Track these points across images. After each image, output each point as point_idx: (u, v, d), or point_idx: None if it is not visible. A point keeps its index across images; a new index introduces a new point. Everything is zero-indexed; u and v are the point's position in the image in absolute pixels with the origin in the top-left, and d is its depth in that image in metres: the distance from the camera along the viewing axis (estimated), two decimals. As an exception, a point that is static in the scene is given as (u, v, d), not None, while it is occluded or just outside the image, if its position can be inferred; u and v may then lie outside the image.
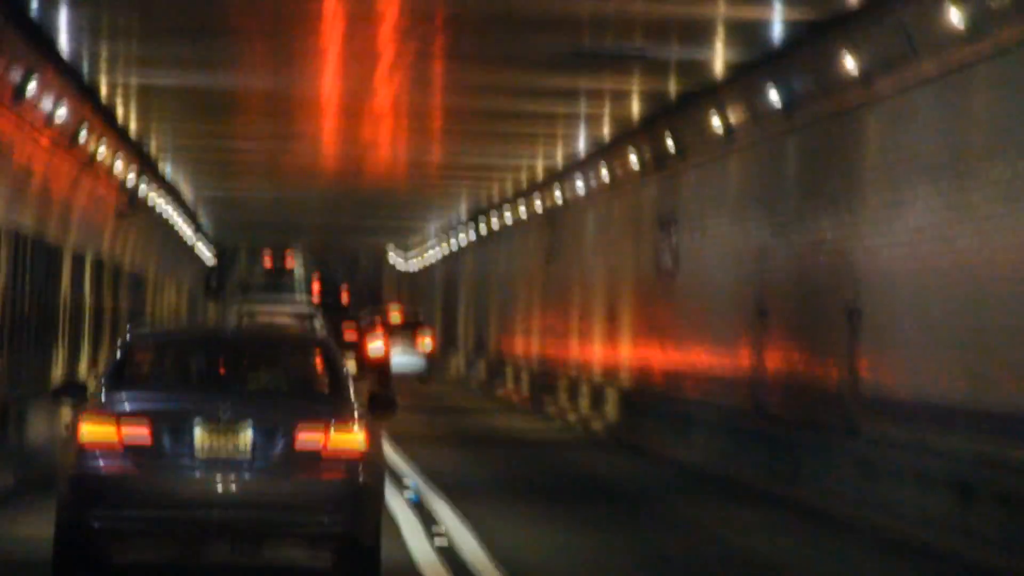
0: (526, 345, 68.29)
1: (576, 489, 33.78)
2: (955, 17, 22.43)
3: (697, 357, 39.54)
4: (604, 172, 49.97)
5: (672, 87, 37.98)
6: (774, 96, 31.60)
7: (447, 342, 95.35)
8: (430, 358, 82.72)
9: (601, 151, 50.35)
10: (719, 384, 37.22)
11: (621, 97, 40.52)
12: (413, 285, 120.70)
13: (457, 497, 27.08)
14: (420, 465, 33.89)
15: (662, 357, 43.42)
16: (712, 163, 38.75)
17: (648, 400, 44.08)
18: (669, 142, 41.05)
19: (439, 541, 21.98)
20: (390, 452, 33.25)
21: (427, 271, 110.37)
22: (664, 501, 31.04)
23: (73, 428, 17.04)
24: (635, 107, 41.98)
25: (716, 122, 36.03)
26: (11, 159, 32.26)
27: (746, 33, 30.62)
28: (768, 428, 32.79)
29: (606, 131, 47.41)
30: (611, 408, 48.69)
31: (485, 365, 78.78)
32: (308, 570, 18.27)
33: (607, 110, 43.60)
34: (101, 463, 16.47)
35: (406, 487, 28.23)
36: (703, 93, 36.95)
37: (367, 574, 17.22)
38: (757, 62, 32.33)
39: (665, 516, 28.16)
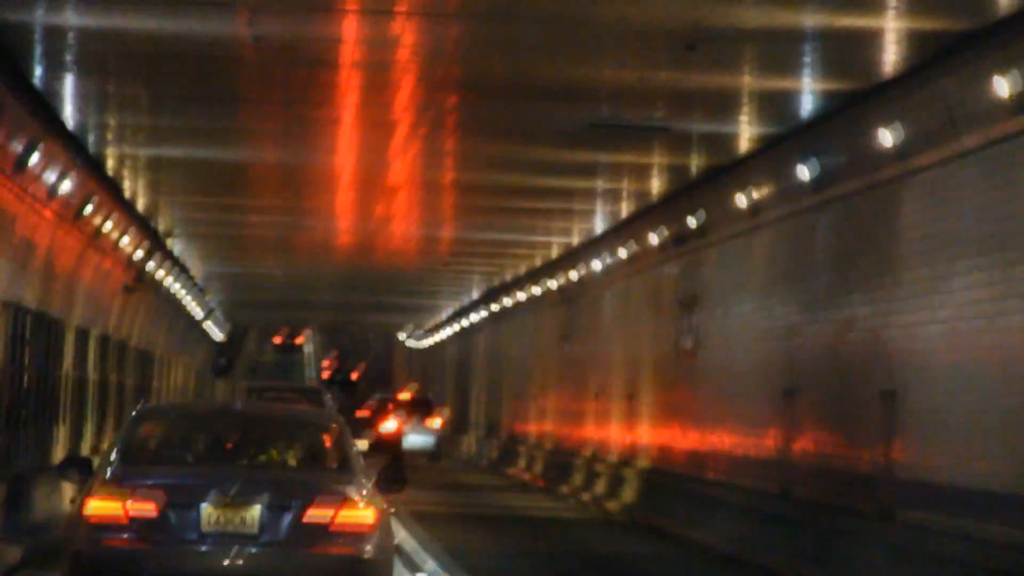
0: (540, 425, 67.09)
1: (597, 571, 32.52)
2: (1001, 87, 21.25)
3: (720, 438, 38.25)
4: (622, 250, 48.35)
5: (695, 161, 36.59)
6: (804, 171, 30.03)
7: (459, 421, 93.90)
8: (440, 437, 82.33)
9: (619, 228, 48.73)
10: (743, 466, 35.91)
11: (641, 172, 39.16)
12: (425, 364, 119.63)
13: None
14: (438, 545, 32.52)
15: (683, 438, 42.12)
16: (736, 240, 37.21)
17: (668, 481, 42.61)
18: (691, 219, 39.52)
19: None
20: (404, 533, 32.57)
21: (439, 349, 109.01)
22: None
23: (79, 503, 16.91)
24: (655, 182, 40.51)
25: (741, 198, 34.64)
26: (13, 231, 31.19)
27: (775, 105, 29.36)
28: (796, 512, 31.34)
29: (624, 207, 45.85)
30: (628, 489, 47.08)
31: (497, 444, 77.46)
32: None
33: (625, 185, 42.11)
34: (106, 538, 16.37)
35: (420, 570, 26.79)
36: (727, 168, 35.56)
37: None
38: (786, 135, 30.88)
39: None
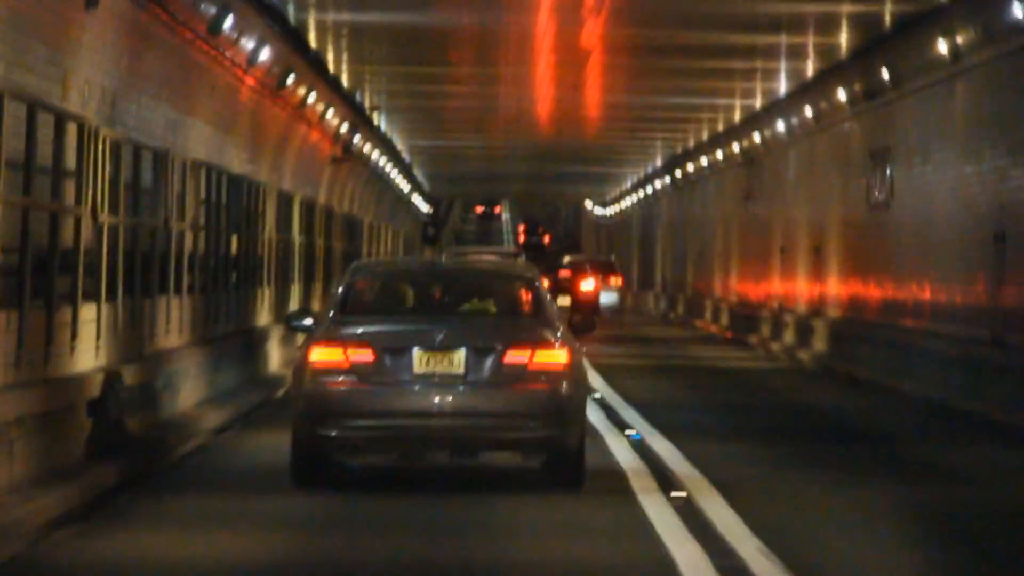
0: (724, 282, 62.86)
1: (807, 422, 27.79)
2: None
3: (918, 287, 33.69)
4: (808, 109, 43.78)
5: (888, 8, 31.69)
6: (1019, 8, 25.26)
7: (645, 281, 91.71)
8: (622, 294, 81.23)
9: (806, 87, 43.91)
10: (946, 314, 31.23)
11: (830, 23, 34.18)
12: (611, 230, 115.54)
13: (671, 432, 22.91)
14: (632, 398, 28.68)
15: (875, 289, 37.75)
16: (935, 88, 32.46)
17: (861, 331, 38.32)
18: (884, 71, 35.21)
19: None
20: (602, 383, 31.24)
21: (623, 217, 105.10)
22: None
23: (304, 352, 17.28)
24: (844, 36, 35.84)
25: (943, 44, 29.89)
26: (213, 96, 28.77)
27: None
28: (1011, 359, 26.86)
29: (810, 64, 40.84)
30: (819, 339, 42.86)
31: (683, 300, 73.81)
32: (520, 470, 18.14)
33: (811, 39, 36.80)
34: (329, 381, 16.75)
35: (627, 428, 23.53)
36: (924, 15, 30.70)
37: (573, 474, 17.06)
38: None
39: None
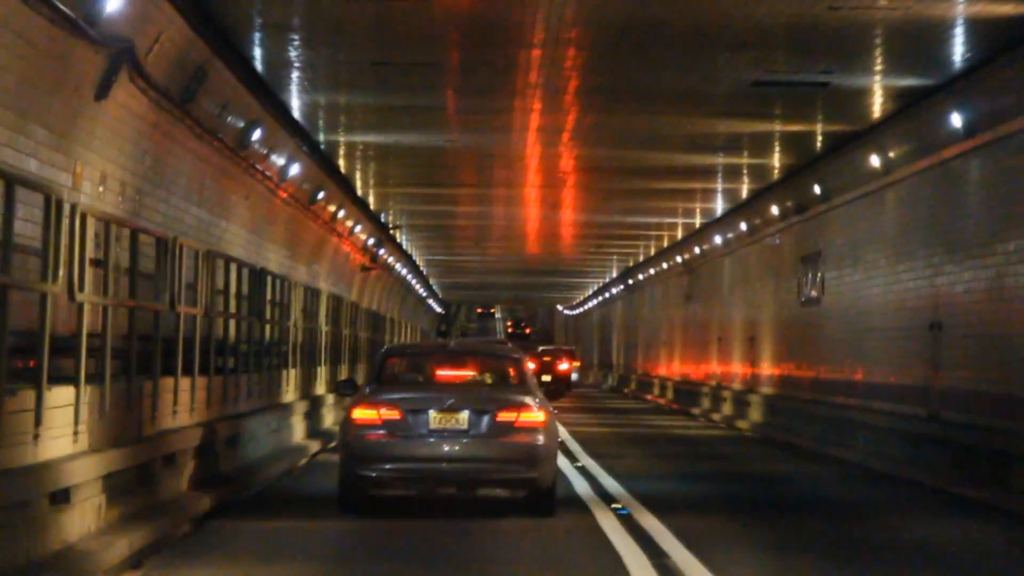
0: (668, 365, 57.88)
1: (762, 487, 22.57)
2: None
3: (850, 371, 28.36)
4: (742, 224, 38.78)
5: (826, 128, 26.79)
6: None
7: (603, 364, 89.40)
8: (579, 373, 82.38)
9: (739, 207, 38.92)
10: (878, 391, 26.13)
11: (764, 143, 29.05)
12: (577, 325, 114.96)
13: (653, 505, 18.43)
14: (612, 469, 23.42)
15: (809, 370, 32.06)
16: (865, 198, 27.43)
17: (796, 406, 32.60)
18: (815, 188, 30.08)
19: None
20: (582, 452, 27.52)
21: (587, 314, 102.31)
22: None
23: (348, 411, 17.40)
24: (777, 156, 30.93)
25: (875, 159, 25.09)
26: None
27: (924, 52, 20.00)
28: (950, 434, 21.71)
29: (745, 186, 36.21)
30: (755, 411, 37.33)
31: (635, 379, 69.31)
32: (509, 501, 17.61)
33: (746, 159, 31.74)
34: (367, 434, 16.79)
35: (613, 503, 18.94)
36: (856, 134, 25.93)
37: (546, 504, 16.92)
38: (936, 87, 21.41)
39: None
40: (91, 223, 12.60)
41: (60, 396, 11.71)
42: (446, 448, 16.88)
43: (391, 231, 49.67)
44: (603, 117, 26.61)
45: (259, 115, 23.21)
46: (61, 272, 11.58)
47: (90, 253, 12.43)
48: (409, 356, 19.83)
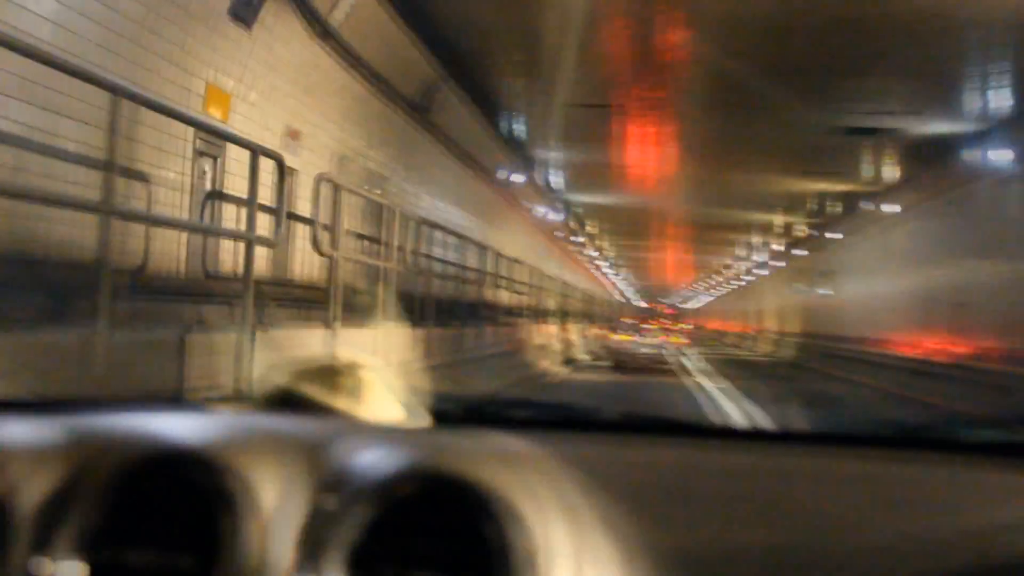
0: (732, 326, 52.78)
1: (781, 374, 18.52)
2: None
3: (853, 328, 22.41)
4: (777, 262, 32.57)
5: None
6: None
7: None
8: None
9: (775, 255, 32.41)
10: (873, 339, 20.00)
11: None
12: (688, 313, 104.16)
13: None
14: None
15: (819, 328, 26.63)
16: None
17: (809, 342, 27.05)
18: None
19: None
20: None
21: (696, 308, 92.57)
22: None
23: (610, 336, 20.18)
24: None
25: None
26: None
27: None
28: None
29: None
30: (785, 348, 31.19)
31: (708, 335, 61.07)
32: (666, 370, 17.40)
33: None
34: (617, 347, 18.75)
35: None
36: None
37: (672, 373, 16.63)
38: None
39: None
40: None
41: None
42: (647, 351, 18.37)
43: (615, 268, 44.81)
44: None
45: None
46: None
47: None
48: (633, 317, 20.98)
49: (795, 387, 15.49)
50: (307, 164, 8.91)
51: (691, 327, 62.83)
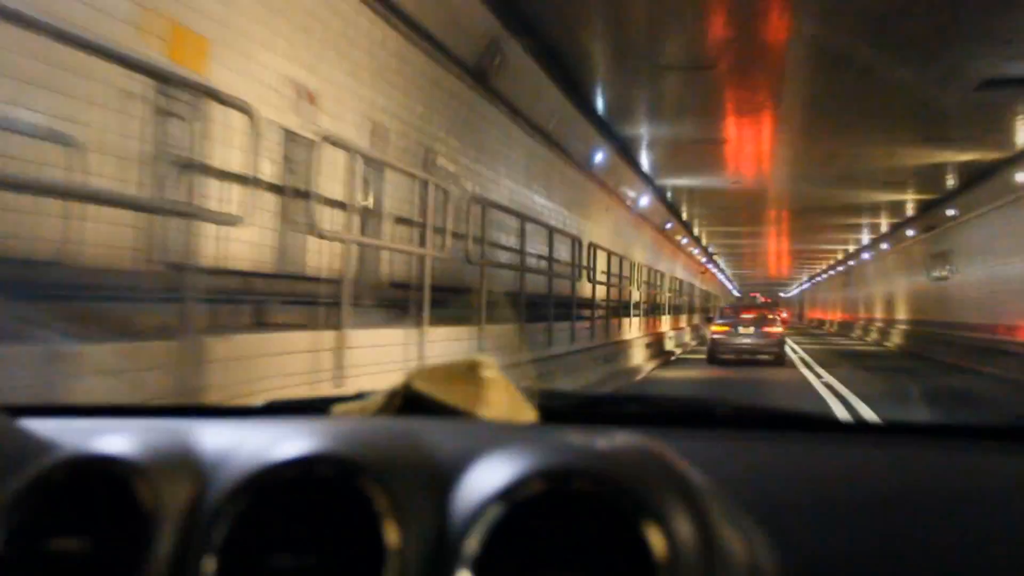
0: (833, 315, 52.26)
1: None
2: None
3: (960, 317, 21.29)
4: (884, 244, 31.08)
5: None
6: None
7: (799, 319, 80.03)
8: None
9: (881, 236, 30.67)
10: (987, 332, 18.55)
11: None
12: (790, 301, 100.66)
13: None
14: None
15: (927, 316, 25.30)
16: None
17: (928, 333, 25.19)
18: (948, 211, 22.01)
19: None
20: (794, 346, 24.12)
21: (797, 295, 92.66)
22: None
23: (710, 327, 18.56)
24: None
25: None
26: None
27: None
28: None
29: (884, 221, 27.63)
30: (896, 336, 29.61)
31: (813, 324, 61.71)
32: (767, 362, 16.99)
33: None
34: (717, 338, 17.76)
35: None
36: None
37: (780, 363, 17.03)
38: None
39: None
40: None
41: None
42: (745, 342, 17.05)
43: (712, 256, 43.39)
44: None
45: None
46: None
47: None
48: (730, 307, 19.53)
49: (919, 380, 14.11)
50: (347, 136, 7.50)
51: (790, 316, 62.50)
